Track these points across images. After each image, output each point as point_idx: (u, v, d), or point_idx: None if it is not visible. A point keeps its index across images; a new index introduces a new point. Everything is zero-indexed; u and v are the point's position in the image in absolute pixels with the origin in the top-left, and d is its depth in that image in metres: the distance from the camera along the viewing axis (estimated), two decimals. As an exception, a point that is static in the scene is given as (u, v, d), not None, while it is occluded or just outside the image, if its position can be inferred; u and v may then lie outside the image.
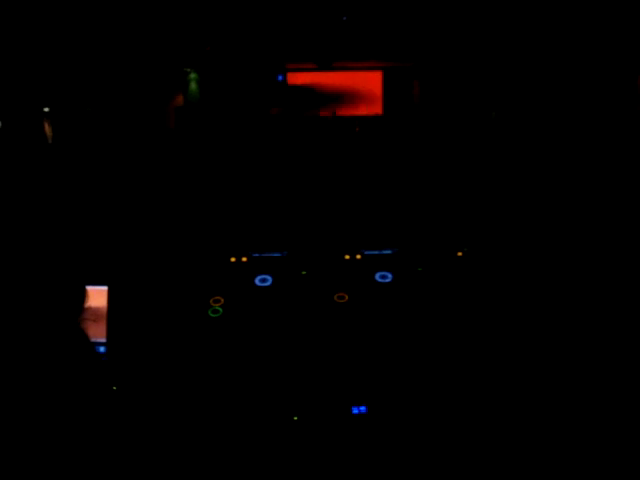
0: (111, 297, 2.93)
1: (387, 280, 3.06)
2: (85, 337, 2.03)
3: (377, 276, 3.08)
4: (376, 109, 13.37)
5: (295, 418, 2.63)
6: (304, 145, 9.98)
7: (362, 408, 2.65)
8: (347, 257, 3.14)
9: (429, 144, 10.37)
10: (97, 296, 2.99)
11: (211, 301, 2.96)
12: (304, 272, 3.06)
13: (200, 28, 9.91)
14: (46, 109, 10.43)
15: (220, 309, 2.93)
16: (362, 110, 13.12)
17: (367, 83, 13.53)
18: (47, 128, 10.73)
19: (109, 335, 2.88)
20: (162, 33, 10.17)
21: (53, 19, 8.31)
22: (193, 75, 12.44)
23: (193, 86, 12.56)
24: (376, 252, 3.18)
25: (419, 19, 9.96)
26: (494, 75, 12.45)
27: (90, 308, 2.91)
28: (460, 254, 3.21)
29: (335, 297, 2.98)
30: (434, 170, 6.63)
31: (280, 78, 12.50)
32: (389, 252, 3.18)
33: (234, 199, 4.20)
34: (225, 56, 11.52)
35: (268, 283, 3.03)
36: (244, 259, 3.11)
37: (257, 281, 3.04)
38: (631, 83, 10.94)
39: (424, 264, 3.15)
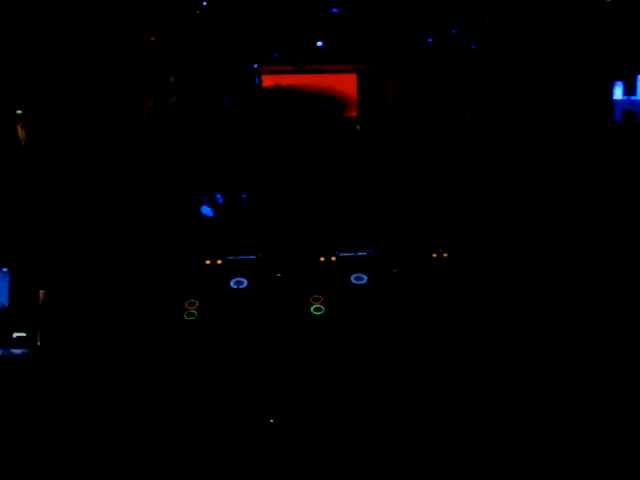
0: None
1: (362, 282, 3.07)
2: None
3: (352, 278, 3.09)
4: (351, 111, 13.40)
5: (271, 420, 2.62)
6: (278, 147, 9.94)
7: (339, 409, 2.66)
8: (322, 259, 3.14)
9: (404, 145, 10.38)
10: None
11: (186, 304, 2.95)
12: (279, 274, 3.06)
13: (175, 30, 9.86)
14: (19, 111, 10.30)
15: (195, 312, 2.92)
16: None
17: (342, 86, 13.56)
18: (20, 131, 10.59)
19: (81, 337, 2.86)
20: (137, 35, 10.09)
21: (25, 20, 8.21)
22: (170, 78, 12.35)
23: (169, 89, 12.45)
24: (351, 254, 3.19)
25: (393, 22, 10.00)
26: (468, 77, 12.52)
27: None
28: (435, 255, 3.23)
29: (310, 299, 2.98)
30: (409, 172, 6.64)
31: (256, 81, 12.47)
32: (364, 254, 3.19)
33: (209, 202, 4.17)
34: (200, 58, 11.49)
35: (243, 285, 3.03)
36: (219, 262, 3.10)
37: (232, 283, 3.03)
38: (603, 89, 11.05)
39: (399, 265, 3.16)
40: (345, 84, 13.27)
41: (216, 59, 11.48)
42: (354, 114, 13.35)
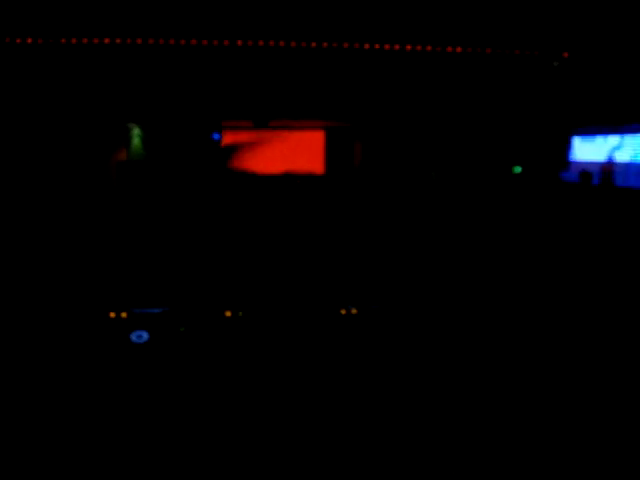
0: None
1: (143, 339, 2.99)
2: None
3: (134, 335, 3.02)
4: (318, 168, 13.52)
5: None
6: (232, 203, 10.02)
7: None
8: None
9: (370, 204, 10.52)
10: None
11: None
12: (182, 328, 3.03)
13: (142, 84, 9.99)
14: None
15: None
16: (304, 169, 13.26)
17: (309, 142, 13.71)
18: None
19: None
20: (106, 90, 10.23)
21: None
22: (136, 131, 12.47)
23: (136, 141, 12.57)
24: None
25: (358, 81, 10.23)
26: (434, 136, 12.79)
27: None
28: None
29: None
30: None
31: (216, 136, 12.57)
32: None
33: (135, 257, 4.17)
34: (165, 112, 11.61)
35: (145, 339, 2.98)
36: (123, 315, 3.07)
37: (134, 337, 2.99)
38: (560, 148, 11.37)
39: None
40: (311, 142, 13.34)
41: (179, 113, 11.54)
42: (321, 171, 13.38)
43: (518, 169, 13.23)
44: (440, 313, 3.39)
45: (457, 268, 4.31)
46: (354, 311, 3.20)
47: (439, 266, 4.47)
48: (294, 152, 14.02)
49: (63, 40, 7.99)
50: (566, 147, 11.80)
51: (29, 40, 7.95)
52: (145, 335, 2.98)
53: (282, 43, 8.30)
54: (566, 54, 8.72)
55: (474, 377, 2.87)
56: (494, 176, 12.78)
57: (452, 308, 3.43)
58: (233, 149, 13.08)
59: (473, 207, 10.93)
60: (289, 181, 12.46)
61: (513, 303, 3.56)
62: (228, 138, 13.26)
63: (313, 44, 8.44)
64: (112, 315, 3.05)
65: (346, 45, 8.52)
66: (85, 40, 8.05)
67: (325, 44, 8.44)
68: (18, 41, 8.00)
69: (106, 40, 8.01)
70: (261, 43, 8.36)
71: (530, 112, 12.10)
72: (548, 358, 3.02)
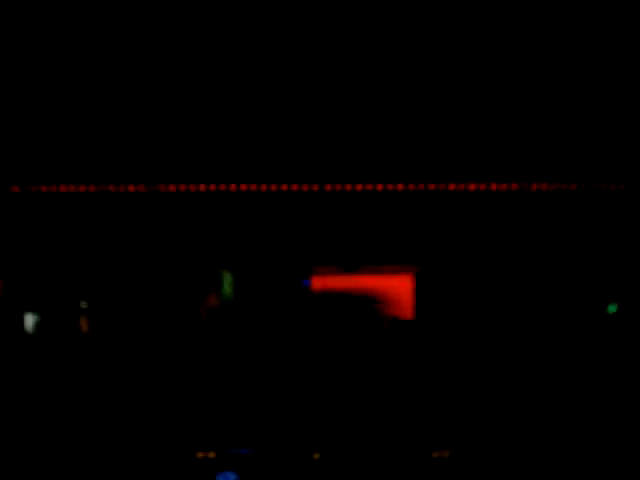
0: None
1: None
2: None
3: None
4: (407, 313, 13.38)
5: None
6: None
7: None
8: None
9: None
10: None
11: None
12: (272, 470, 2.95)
13: (233, 230, 10.42)
14: (83, 304, 10.78)
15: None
16: (393, 313, 13.11)
17: (398, 287, 13.70)
18: (83, 322, 10.99)
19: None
20: (197, 235, 10.71)
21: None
22: (227, 276, 12.81)
23: (227, 287, 12.86)
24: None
25: (448, 224, 10.32)
26: (523, 278, 12.52)
27: None
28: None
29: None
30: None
31: (305, 283, 12.76)
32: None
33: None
34: (256, 257, 11.98)
35: (232, 480, 2.91)
36: (211, 455, 3.03)
37: (221, 479, 2.92)
38: None
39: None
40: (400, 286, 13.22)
41: (266, 262, 11.90)
42: (410, 316, 13.25)
43: (613, 308, 12.53)
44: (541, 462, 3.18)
45: (557, 412, 4.08)
46: (446, 454, 3.04)
47: (535, 412, 4.25)
48: (383, 296, 13.88)
49: (162, 188, 8.53)
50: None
51: (131, 188, 8.54)
52: (233, 477, 2.92)
53: (370, 186, 8.59)
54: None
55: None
56: (587, 315, 12.12)
57: (557, 458, 3.22)
58: (322, 295, 13.15)
59: (566, 348, 10.37)
60: (377, 326, 12.27)
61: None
62: (317, 283, 13.31)
63: (402, 186, 8.67)
64: (200, 455, 3.02)
65: (443, 187, 8.70)
66: (175, 188, 8.56)
67: (418, 186, 8.65)
68: (122, 189, 8.59)
69: (201, 187, 8.51)
70: (349, 188, 8.67)
71: (622, 248, 11.66)
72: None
